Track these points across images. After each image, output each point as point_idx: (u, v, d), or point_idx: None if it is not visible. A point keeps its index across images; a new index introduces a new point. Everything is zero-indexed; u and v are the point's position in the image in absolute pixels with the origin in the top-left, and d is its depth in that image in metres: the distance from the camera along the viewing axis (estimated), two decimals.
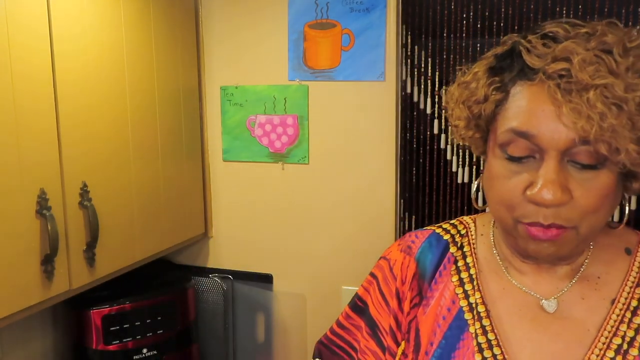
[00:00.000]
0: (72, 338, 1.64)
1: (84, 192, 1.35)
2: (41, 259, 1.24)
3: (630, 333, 0.66)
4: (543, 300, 0.69)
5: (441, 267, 0.76)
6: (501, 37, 1.78)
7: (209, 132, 1.93)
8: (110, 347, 1.57)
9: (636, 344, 0.65)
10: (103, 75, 1.41)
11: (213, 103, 1.91)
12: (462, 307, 0.72)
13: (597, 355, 0.65)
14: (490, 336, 0.69)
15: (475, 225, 0.79)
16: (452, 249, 0.77)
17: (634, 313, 0.67)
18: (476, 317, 0.71)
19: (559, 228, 0.61)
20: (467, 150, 1.80)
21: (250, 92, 1.86)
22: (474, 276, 0.73)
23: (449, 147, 1.76)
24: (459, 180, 1.85)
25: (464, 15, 1.74)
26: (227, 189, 1.94)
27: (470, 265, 0.74)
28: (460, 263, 0.75)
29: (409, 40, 1.76)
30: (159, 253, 1.68)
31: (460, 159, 1.82)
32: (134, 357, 1.60)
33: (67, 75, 1.30)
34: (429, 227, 0.82)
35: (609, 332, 0.66)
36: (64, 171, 1.29)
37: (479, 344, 0.69)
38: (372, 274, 0.82)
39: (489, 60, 0.68)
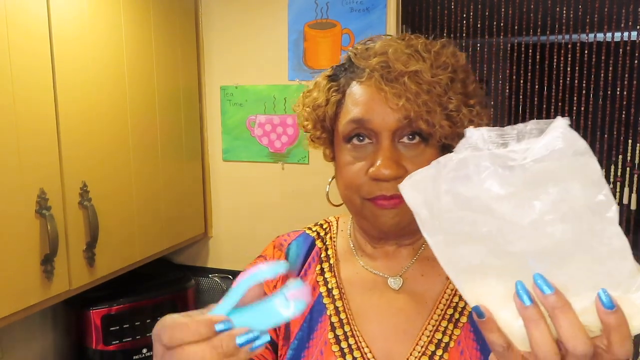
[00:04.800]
0: (71, 338, 1.64)
1: (84, 192, 1.35)
2: (41, 259, 1.24)
3: (462, 304, 0.76)
4: (389, 279, 0.79)
5: (310, 260, 0.85)
6: (501, 37, 1.78)
7: (209, 132, 1.93)
8: (110, 347, 1.57)
9: (466, 313, 0.75)
10: (103, 76, 1.41)
11: (213, 103, 1.91)
12: (322, 292, 0.81)
13: (433, 326, 0.74)
14: (342, 315, 0.78)
15: (337, 223, 0.91)
16: (319, 244, 0.87)
17: None
18: (331, 300, 0.80)
19: (400, 197, 0.70)
20: None
21: (250, 92, 1.86)
22: (333, 265, 0.83)
23: None
24: None
25: (464, 15, 1.74)
26: (227, 189, 1.94)
27: (331, 256, 0.85)
28: (323, 254, 0.85)
29: None
30: (159, 253, 1.68)
31: None
32: (134, 357, 1.60)
33: (67, 75, 1.30)
34: (299, 229, 0.91)
35: (444, 304, 0.76)
36: (63, 171, 1.29)
37: (332, 324, 0.78)
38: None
39: (327, 71, 0.81)
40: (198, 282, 1.95)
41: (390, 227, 0.74)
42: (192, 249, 2.00)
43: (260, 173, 1.88)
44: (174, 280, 1.78)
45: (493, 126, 0.48)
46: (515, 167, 0.44)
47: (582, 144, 0.43)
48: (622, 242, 0.43)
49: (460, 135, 0.72)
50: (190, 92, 1.84)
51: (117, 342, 1.57)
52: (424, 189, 0.49)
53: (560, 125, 0.44)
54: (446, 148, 0.74)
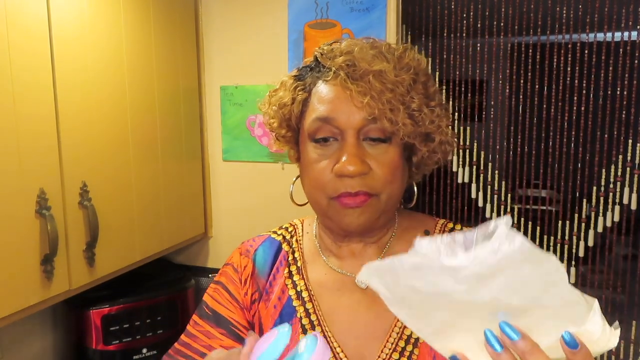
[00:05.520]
0: (72, 338, 1.64)
1: (84, 192, 1.35)
2: (41, 259, 1.24)
3: None
4: (357, 278, 0.79)
5: (277, 264, 0.86)
6: (501, 37, 1.78)
7: (209, 132, 1.93)
8: (110, 347, 1.57)
9: None
10: (103, 76, 1.41)
11: (213, 103, 1.91)
12: (291, 295, 0.82)
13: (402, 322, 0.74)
14: (313, 317, 0.79)
15: (302, 226, 0.91)
16: (285, 247, 0.87)
17: None
18: (301, 302, 0.80)
19: (365, 194, 0.73)
20: (466, 150, 1.80)
21: (250, 92, 1.86)
22: (300, 268, 0.84)
23: None
24: (459, 180, 1.84)
25: (464, 15, 1.74)
26: (227, 189, 1.94)
27: (298, 258, 0.85)
28: (290, 258, 0.85)
29: (409, 40, 1.76)
30: (159, 253, 1.68)
31: (461, 159, 1.82)
32: (134, 357, 1.60)
33: (67, 75, 1.30)
34: (264, 233, 0.92)
35: None
36: (63, 171, 1.29)
37: (303, 326, 0.78)
38: (216, 281, 0.88)
39: (294, 72, 0.83)
40: (198, 282, 1.95)
41: (357, 227, 0.75)
42: (192, 249, 2.00)
43: (260, 173, 1.88)
44: (174, 280, 1.78)
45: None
46: (467, 274, 0.48)
47: (524, 243, 0.47)
48: (573, 295, 0.49)
49: (422, 135, 0.75)
50: (190, 92, 1.84)
51: (117, 342, 1.57)
52: (384, 276, 0.51)
53: (503, 230, 0.48)
54: (408, 147, 0.77)
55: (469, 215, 1.85)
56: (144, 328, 1.61)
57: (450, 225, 0.86)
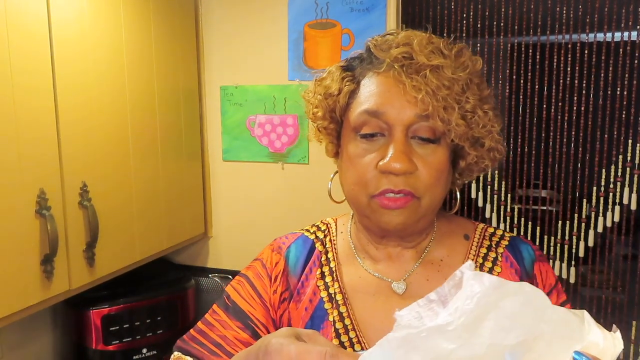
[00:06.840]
0: (72, 338, 1.64)
1: (84, 192, 1.35)
2: (41, 259, 1.24)
3: None
4: (393, 283, 0.77)
5: (311, 264, 0.82)
6: (501, 37, 1.78)
7: (209, 132, 1.93)
8: (110, 347, 1.57)
9: None
10: (103, 76, 1.41)
11: (213, 103, 1.91)
12: (322, 297, 0.78)
13: None
14: (347, 322, 0.75)
15: (336, 225, 0.88)
16: (319, 247, 0.84)
17: None
18: (334, 305, 0.77)
19: (407, 195, 0.70)
20: None
21: (250, 92, 1.86)
22: (333, 269, 0.80)
23: None
24: None
25: (464, 15, 1.75)
26: (227, 189, 1.94)
27: (331, 259, 0.82)
28: (323, 258, 0.82)
29: None
30: (159, 253, 1.68)
31: None
32: (134, 357, 1.60)
33: (67, 75, 1.30)
34: (297, 231, 0.88)
35: None
36: (63, 171, 1.29)
37: (336, 330, 0.75)
38: (242, 274, 0.86)
39: (342, 62, 0.79)
40: (198, 282, 1.95)
41: (395, 226, 0.72)
42: (192, 249, 2.00)
43: (260, 173, 1.88)
44: (174, 280, 1.78)
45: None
46: (455, 327, 0.48)
47: (492, 278, 0.48)
48: (561, 313, 0.49)
49: (472, 139, 0.73)
50: (190, 92, 1.84)
51: (117, 342, 1.57)
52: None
53: (469, 274, 0.49)
54: (455, 151, 0.74)
55: (469, 216, 1.84)
56: (144, 328, 1.61)
57: (491, 230, 0.83)
